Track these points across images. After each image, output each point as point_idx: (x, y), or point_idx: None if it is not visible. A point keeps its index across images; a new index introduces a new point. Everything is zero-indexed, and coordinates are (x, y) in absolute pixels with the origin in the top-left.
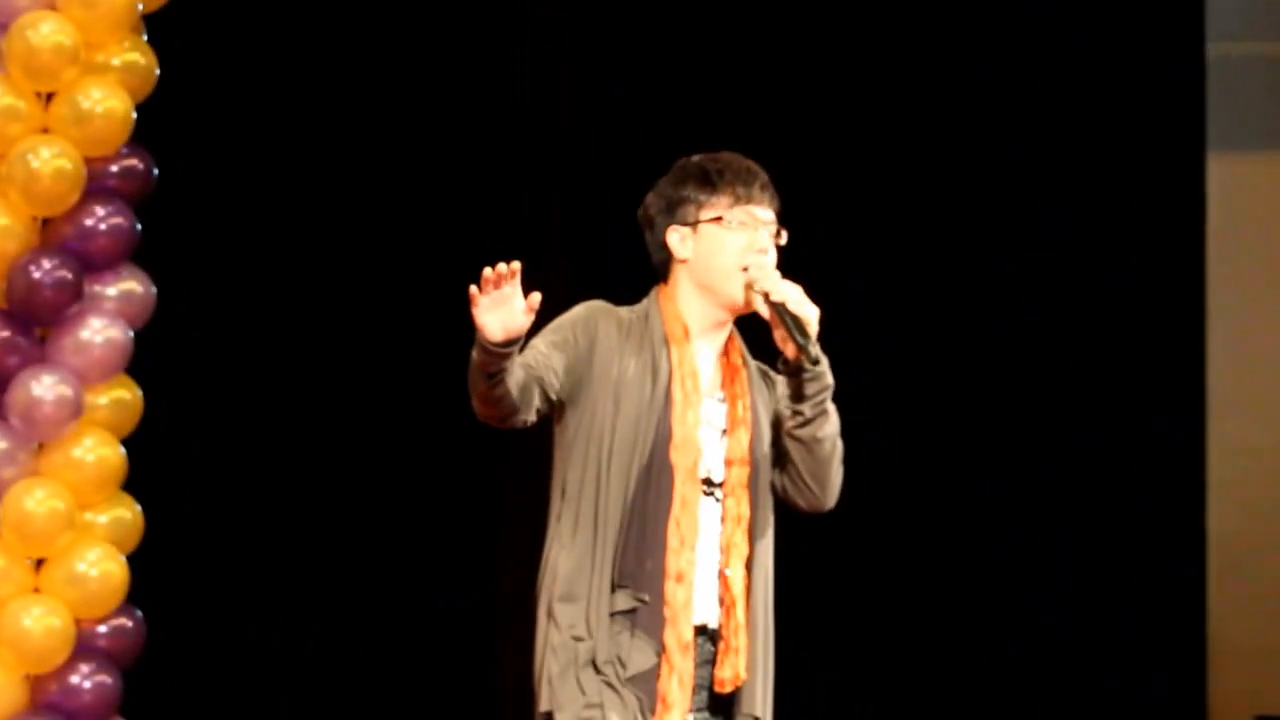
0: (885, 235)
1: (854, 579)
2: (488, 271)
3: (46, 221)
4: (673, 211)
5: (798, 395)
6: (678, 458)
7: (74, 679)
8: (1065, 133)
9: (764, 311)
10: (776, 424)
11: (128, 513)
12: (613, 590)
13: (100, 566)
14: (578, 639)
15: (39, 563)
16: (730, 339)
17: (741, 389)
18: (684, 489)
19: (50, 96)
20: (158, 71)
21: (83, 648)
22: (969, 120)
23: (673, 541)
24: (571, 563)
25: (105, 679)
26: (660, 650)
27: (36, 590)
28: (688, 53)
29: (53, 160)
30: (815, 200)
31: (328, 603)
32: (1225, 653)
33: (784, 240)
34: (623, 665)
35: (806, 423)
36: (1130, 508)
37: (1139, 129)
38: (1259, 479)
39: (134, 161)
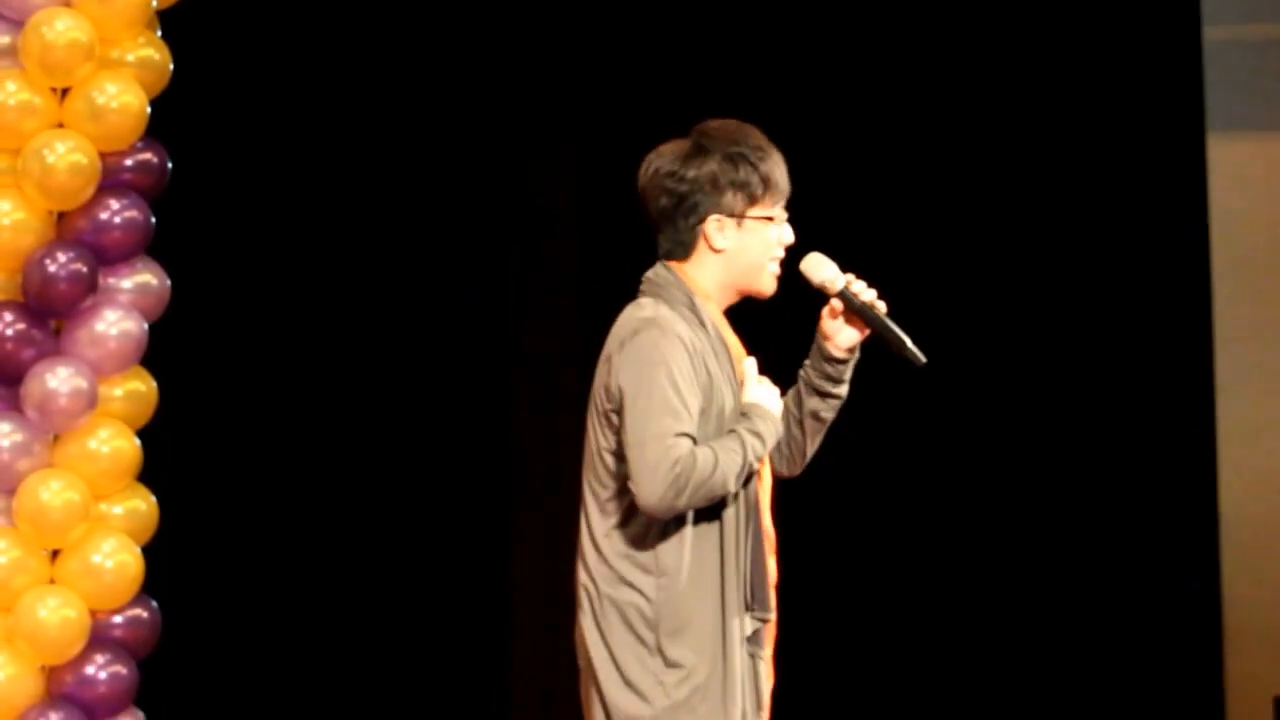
0: (883, 219)
1: (862, 557)
2: None
3: (62, 215)
4: (718, 197)
5: (838, 380)
6: (760, 464)
7: (89, 670)
8: (1065, 117)
9: (836, 305)
10: None
11: (143, 504)
12: (739, 614)
13: (115, 557)
14: (700, 677)
15: (54, 554)
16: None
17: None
18: (764, 496)
19: (65, 92)
20: (172, 67)
21: (98, 639)
22: (966, 105)
23: (767, 547)
24: (690, 594)
25: (120, 669)
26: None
27: (52, 581)
28: (696, 38)
29: (68, 155)
30: (811, 191)
31: (342, 593)
32: (1242, 635)
33: None
34: (758, 697)
35: (838, 405)
36: (1143, 491)
37: (1139, 111)
38: (1272, 460)
39: (148, 156)
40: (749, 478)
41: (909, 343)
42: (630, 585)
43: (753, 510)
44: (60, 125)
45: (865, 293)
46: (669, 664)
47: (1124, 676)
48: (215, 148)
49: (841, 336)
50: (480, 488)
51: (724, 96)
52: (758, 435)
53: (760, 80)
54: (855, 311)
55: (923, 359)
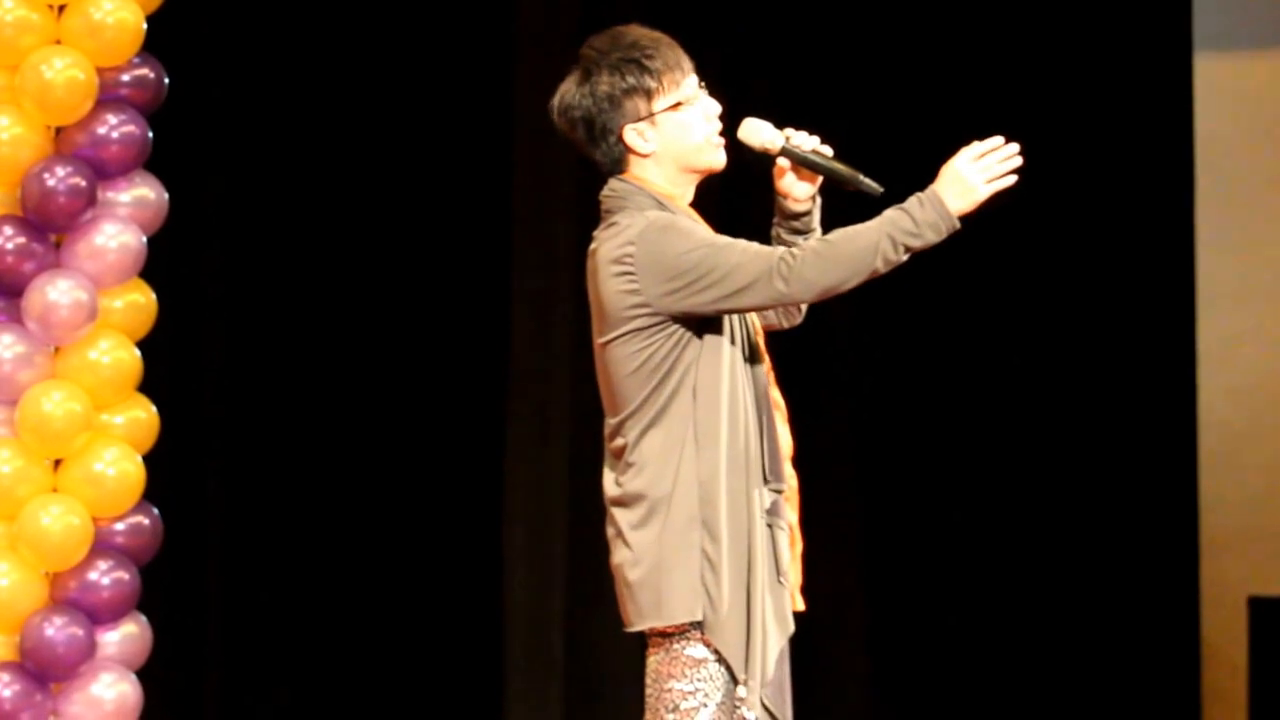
0: (867, 142)
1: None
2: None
3: (60, 130)
4: (621, 109)
5: (808, 229)
6: (759, 338)
7: (92, 575)
8: (1051, 33)
9: (783, 164)
10: None
11: (143, 413)
12: (758, 487)
13: (117, 466)
14: (737, 547)
15: (57, 463)
16: None
17: None
18: (768, 364)
19: (62, 8)
20: None
21: (101, 545)
22: (949, 21)
23: (778, 418)
24: (718, 469)
25: (123, 575)
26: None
27: (55, 490)
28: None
29: (65, 70)
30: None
31: (342, 494)
32: (1217, 537)
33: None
34: (778, 566)
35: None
36: (1122, 396)
37: (1126, 29)
38: (1249, 366)
39: (145, 71)
40: (754, 354)
41: (862, 177)
42: (678, 476)
43: (762, 384)
44: (57, 41)
45: (807, 142)
46: (714, 537)
47: (1100, 579)
48: (212, 63)
49: (798, 190)
50: (474, 468)
51: (723, 82)
52: (901, 210)
53: (754, 74)
54: (802, 164)
55: (879, 188)
